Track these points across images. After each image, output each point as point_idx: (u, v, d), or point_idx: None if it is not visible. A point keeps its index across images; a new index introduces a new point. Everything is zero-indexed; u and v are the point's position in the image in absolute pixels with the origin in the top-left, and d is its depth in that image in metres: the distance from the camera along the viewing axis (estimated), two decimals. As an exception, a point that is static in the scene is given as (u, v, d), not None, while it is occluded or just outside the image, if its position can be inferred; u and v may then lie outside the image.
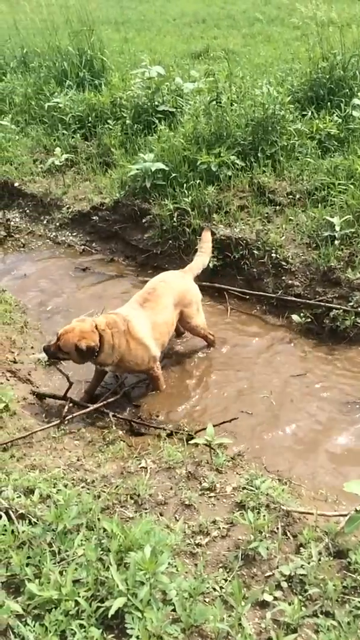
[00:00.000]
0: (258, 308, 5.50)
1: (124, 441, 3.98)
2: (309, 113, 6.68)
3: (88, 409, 4.20)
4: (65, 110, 8.23)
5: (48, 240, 7.16)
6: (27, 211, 7.59)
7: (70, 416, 4.09)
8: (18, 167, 7.95)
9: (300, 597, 2.49)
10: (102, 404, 4.28)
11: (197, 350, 5.07)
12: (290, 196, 5.98)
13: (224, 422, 3.97)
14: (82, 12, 9.47)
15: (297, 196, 5.95)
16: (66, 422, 4.08)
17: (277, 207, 5.95)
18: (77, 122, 8.18)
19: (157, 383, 4.60)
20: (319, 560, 2.64)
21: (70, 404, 4.23)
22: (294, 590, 2.54)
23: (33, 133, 8.50)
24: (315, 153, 6.27)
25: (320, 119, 6.55)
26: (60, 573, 2.45)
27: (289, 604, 2.41)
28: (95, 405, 4.24)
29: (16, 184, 7.73)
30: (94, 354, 4.17)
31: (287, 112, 6.51)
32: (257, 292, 5.52)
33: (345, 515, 2.88)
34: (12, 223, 7.43)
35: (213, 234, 5.49)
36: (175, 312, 4.67)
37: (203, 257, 5.13)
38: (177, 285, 4.74)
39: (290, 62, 8.68)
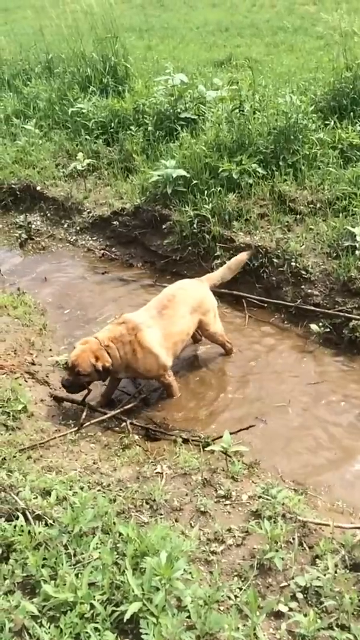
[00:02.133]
0: (276, 317, 5.48)
1: (139, 446, 3.99)
2: (332, 122, 6.66)
3: (106, 416, 4.22)
4: (88, 116, 8.30)
5: (68, 244, 7.22)
6: (49, 215, 7.66)
7: (88, 423, 4.10)
8: (41, 171, 8.04)
9: (315, 609, 2.47)
10: (119, 410, 4.29)
11: (214, 357, 5.07)
12: (311, 205, 5.97)
13: (240, 430, 3.96)
14: (107, 19, 9.55)
15: (318, 205, 5.94)
16: (84, 427, 4.10)
17: (298, 216, 5.94)
18: (99, 128, 8.24)
19: (170, 390, 4.60)
20: (335, 572, 2.62)
21: (88, 410, 4.24)
22: (310, 602, 2.53)
23: (56, 138, 8.59)
24: (337, 163, 6.25)
25: (343, 128, 6.53)
26: (76, 575, 2.45)
27: (305, 616, 2.39)
28: (113, 412, 4.26)
29: (38, 188, 7.81)
30: (109, 371, 4.29)
31: (309, 121, 6.50)
32: (275, 301, 5.50)
33: (363, 527, 2.86)
34: (33, 226, 7.51)
35: (249, 259, 5.50)
36: (192, 320, 4.67)
37: (225, 272, 5.15)
38: (195, 293, 4.74)
39: (314, 71, 8.68)
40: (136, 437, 4.11)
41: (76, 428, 4.01)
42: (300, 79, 8.36)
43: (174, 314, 4.52)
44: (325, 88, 7.37)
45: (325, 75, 7.84)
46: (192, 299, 4.66)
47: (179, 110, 7.53)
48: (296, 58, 10.47)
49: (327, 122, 6.72)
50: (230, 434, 3.59)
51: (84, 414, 4.15)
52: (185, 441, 3.99)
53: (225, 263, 5.50)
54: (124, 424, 4.20)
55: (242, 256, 5.28)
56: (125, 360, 4.32)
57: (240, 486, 3.33)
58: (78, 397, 4.40)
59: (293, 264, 5.48)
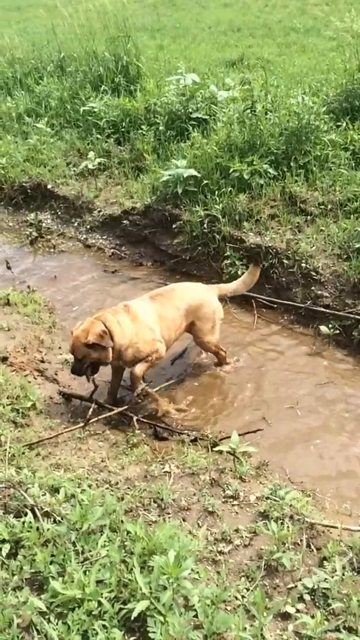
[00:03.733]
0: (286, 318, 5.47)
1: (147, 445, 4.00)
2: (344, 124, 6.65)
3: (113, 412, 4.23)
4: (99, 115, 8.33)
5: (78, 243, 7.24)
6: (59, 213, 7.69)
7: (95, 419, 4.12)
8: (52, 169, 8.08)
9: (323, 610, 2.47)
10: (126, 407, 4.30)
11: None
12: (322, 206, 5.95)
13: (248, 432, 3.95)
14: (119, 18, 9.57)
15: (329, 207, 5.92)
16: (91, 423, 4.11)
17: (308, 217, 5.93)
18: (111, 127, 8.27)
19: (145, 366, 4.37)
20: (343, 574, 2.61)
21: (95, 406, 4.25)
22: (317, 604, 2.52)
23: (67, 136, 8.63)
24: (349, 164, 6.24)
25: (355, 129, 6.52)
26: (84, 573, 2.46)
27: (312, 617, 2.39)
28: (121, 409, 4.27)
29: (49, 186, 7.85)
30: (111, 339, 4.12)
31: (321, 122, 6.49)
32: (285, 302, 5.50)
33: (371, 530, 2.85)
34: (43, 224, 7.55)
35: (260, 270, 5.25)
36: (185, 318, 4.58)
37: (239, 285, 4.98)
38: (196, 295, 4.69)
39: (326, 72, 8.66)
40: (144, 435, 4.12)
41: (83, 424, 4.02)
42: (313, 79, 8.34)
43: (167, 302, 4.51)
44: (337, 89, 7.36)
45: (337, 77, 7.83)
46: (190, 298, 4.63)
47: (190, 110, 7.54)
48: (308, 59, 10.44)
49: (339, 124, 6.71)
50: (239, 435, 3.59)
51: (91, 409, 4.16)
52: (193, 441, 3.99)
53: (234, 263, 5.50)
54: (131, 421, 4.21)
55: (254, 270, 5.02)
56: (125, 329, 4.21)
57: (248, 487, 3.33)
58: (85, 392, 4.42)
59: (303, 265, 5.47)
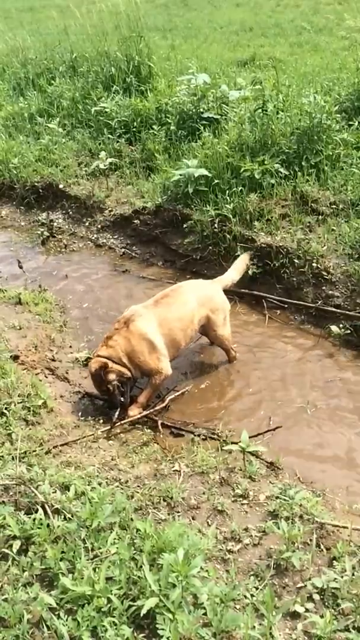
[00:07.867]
0: (296, 317, 5.46)
1: (157, 443, 4.00)
2: (356, 123, 6.61)
3: (138, 416, 4.24)
4: (111, 115, 8.36)
5: (89, 242, 7.27)
6: (70, 213, 7.73)
7: (120, 422, 4.15)
8: (63, 169, 8.12)
9: (332, 610, 2.46)
10: (150, 411, 4.31)
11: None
12: (334, 206, 5.93)
13: (268, 430, 3.94)
14: (131, 18, 9.60)
15: (341, 206, 5.89)
16: (101, 423, 4.14)
17: (320, 217, 5.91)
18: (122, 127, 8.30)
19: (149, 393, 4.43)
20: (353, 574, 2.60)
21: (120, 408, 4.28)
22: (326, 603, 2.52)
23: (79, 136, 8.66)
24: (361, 163, 6.20)
25: (367, 129, 6.49)
26: (94, 570, 2.48)
27: (321, 617, 2.38)
28: (146, 412, 4.29)
29: (61, 186, 7.89)
30: (107, 367, 4.26)
31: (333, 121, 6.45)
32: (296, 301, 5.48)
33: (381, 531, 2.84)
34: (55, 224, 7.58)
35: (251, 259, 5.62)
36: (198, 311, 4.60)
37: (233, 273, 5.18)
38: (204, 288, 4.79)
39: (338, 71, 8.62)
40: (155, 434, 4.13)
41: (110, 427, 4.07)
42: (324, 79, 8.30)
43: (173, 301, 4.53)
44: (349, 88, 7.32)
45: (349, 76, 7.79)
46: (199, 291, 4.70)
47: (201, 109, 7.55)
48: (320, 58, 10.39)
49: (350, 123, 6.68)
50: (258, 435, 3.58)
51: (117, 412, 4.19)
52: (203, 440, 3.99)
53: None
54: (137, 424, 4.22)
55: (245, 257, 5.38)
56: (124, 349, 4.29)
57: (257, 486, 3.33)
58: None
59: (314, 264, 5.45)
